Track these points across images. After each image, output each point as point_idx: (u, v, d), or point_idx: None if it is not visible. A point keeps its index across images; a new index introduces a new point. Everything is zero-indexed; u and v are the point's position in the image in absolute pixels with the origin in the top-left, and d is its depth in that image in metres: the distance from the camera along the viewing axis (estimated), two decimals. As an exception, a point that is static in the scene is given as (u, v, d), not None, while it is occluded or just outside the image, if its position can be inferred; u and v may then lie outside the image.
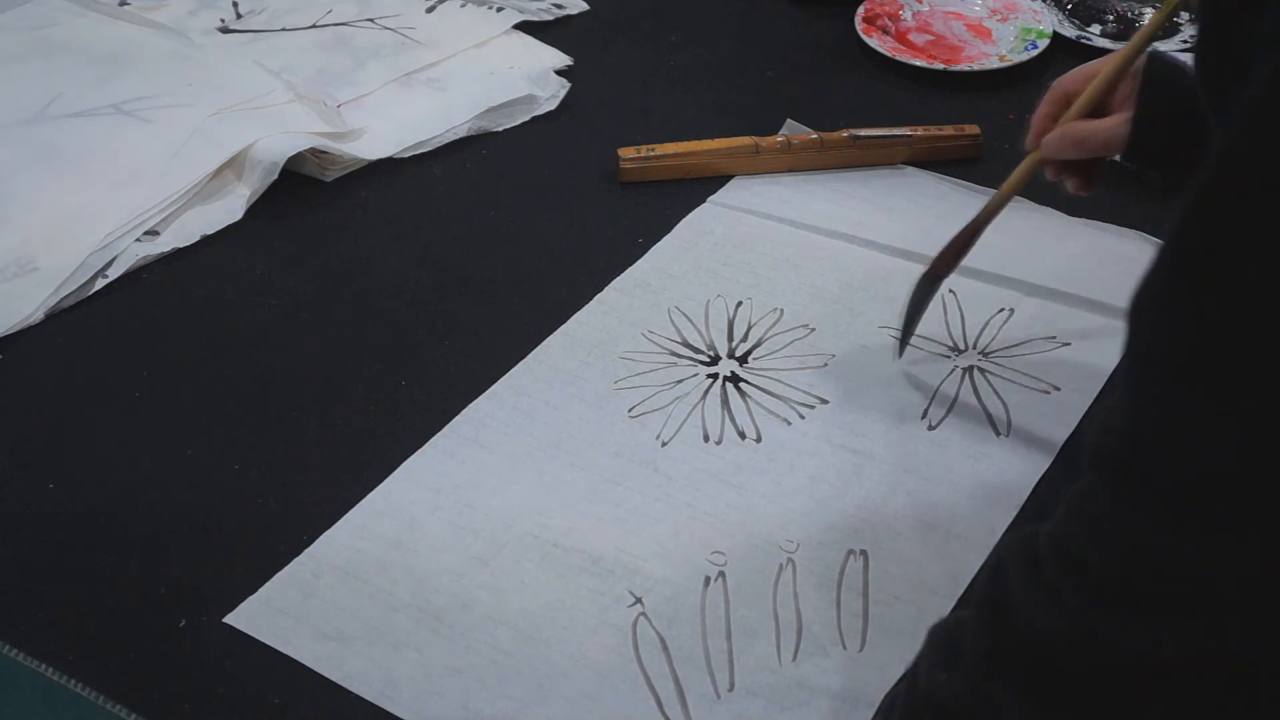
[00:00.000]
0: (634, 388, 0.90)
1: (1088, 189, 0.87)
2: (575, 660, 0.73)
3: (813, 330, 0.94)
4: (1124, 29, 1.24)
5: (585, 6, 1.33)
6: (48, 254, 1.00)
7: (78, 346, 0.95)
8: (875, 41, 1.22)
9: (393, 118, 1.16)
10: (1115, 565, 0.49)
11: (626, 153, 1.08)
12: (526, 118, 1.17)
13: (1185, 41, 1.19)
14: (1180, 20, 1.21)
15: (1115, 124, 0.81)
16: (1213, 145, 0.47)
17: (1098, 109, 0.82)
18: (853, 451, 0.85)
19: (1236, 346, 0.46)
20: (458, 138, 1.14)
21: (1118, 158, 0.83)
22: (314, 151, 1.09)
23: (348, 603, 0.76)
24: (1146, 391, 0.49)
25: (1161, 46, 1.16)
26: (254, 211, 1.06)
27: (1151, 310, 0.49)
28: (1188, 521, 0.47)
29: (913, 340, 0.91)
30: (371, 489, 0.83)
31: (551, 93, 1.19)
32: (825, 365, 0.91)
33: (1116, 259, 0.98)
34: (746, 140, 1.09)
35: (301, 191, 1.08)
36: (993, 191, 0.86)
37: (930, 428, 0.86)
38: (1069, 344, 0.92)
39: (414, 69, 1.22)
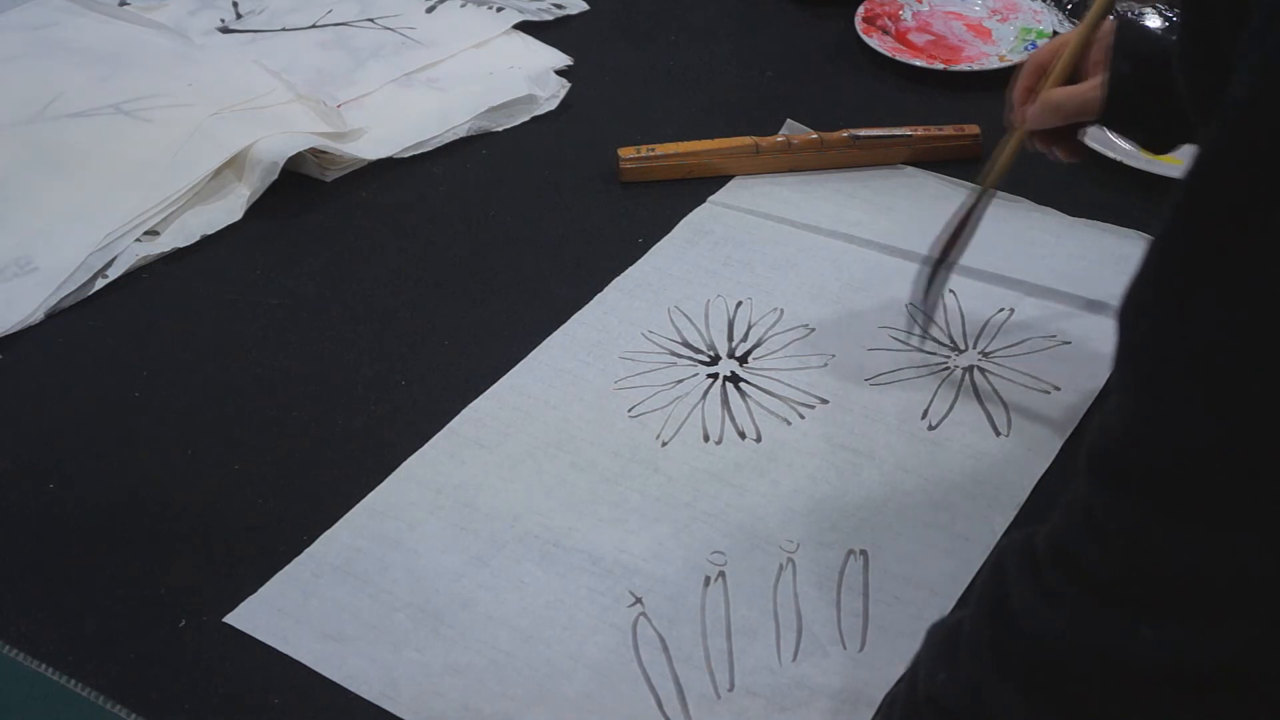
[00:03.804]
0: (634, 388, 0.90)
1: (1076, 156, 0.89)
2: (575, 660, 0.73)
3: (813, 330, 0.94)
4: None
5: (585, 6, 1.33)
6: (48, 254, 1.00)
7: (78, 346, 0.95)
8: (875, 41, 1.22)
9: (393, 118, 1.16)
10: (1113, 565, 0.49)
11: (626, 153, 1.08)
12: (526, 118, 1.17)
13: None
14: None
15: (1089, 88, 0.82)
16: (1198, 143, 0.47)
17: (1073, 77, 0.84)
18: (853, 451, 0.85)
19: (1228, 345, 0.45)
20: (458, 138, 1.14)
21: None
22: (314, 151, 1.09)
23: (348, 603, 0.76)
24: (1140, 391, 0.49)
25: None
26: (254, 211, 1.06)
27: (1142, 310, 0.49)
28: (1185, 521, 0.47)
29: (912, 340, 0.92)
30: (371, 489, 0.83)
31: (551, 93, 1.19)
32: (825, 365, 0.91)
33: (1116, 259, 0.98)
34: (746, 140, 1.09)
35: (301, 191, 1.08)
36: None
37: (930, 427, 0.86)
38: (1069, 344, 0.92)
39: (414, 69, 1.22)
